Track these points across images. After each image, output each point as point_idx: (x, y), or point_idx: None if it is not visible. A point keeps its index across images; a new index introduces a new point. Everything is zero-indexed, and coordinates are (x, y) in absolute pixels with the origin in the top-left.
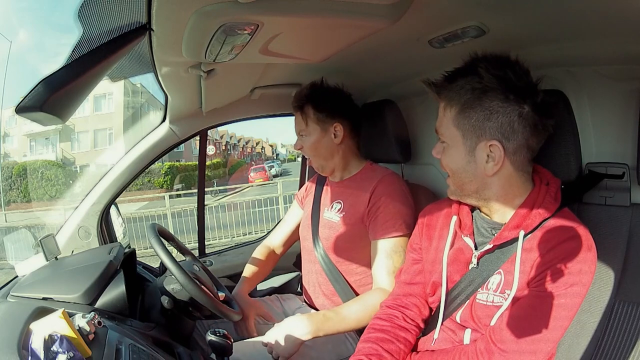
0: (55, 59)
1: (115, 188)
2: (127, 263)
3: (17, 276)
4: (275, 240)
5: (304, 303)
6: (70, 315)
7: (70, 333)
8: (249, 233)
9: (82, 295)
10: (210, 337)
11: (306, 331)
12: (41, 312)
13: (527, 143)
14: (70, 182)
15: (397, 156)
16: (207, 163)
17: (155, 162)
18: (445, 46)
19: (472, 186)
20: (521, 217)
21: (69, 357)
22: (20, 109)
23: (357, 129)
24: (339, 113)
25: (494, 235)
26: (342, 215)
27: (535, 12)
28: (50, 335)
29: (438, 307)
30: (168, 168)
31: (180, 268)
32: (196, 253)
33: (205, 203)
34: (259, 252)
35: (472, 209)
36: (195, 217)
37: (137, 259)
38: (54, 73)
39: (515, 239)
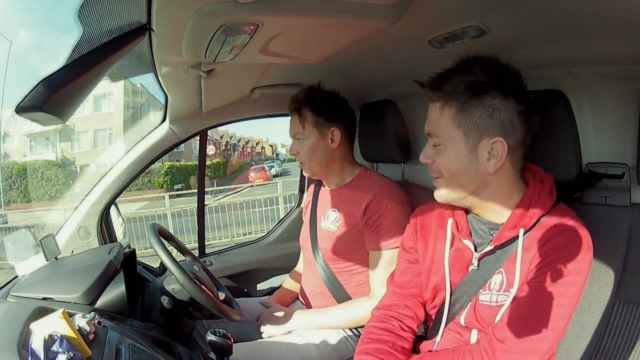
0: (55, 59)
1: (115, 188)
2: (127, 263)
3: (17, 276)
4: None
5: (302, 306)
6: (70, 315)
7: (70, 333)
8: (249, 233)
9: (82, 295)
10: (210, 337)
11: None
12: (41, 312)
13: (523, 140)
14: (70, 182)
15: (397, 156)
16: (207, 163)
17: (155, 162)
18: (445, 46)
19: (472, 186)
20: (519, 215)
21: (69, 357)
22: (20, 109)
23: (353, 134)
24: (336, 117)
25: (492, 235)
26: (338, 224)
27: (535, 12)
28: (50, 335)
29: (440, 311)
30: (168, 168)
31: (180, 268)
32: (196, 253)
33: (205, 203)
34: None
35: (466, 211)
36: (195, 217)
37: (137, 259)
38: (54, 73)
39: (515, 238)
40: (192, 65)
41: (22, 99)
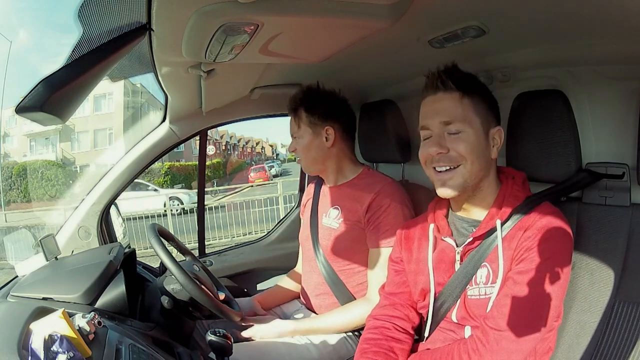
0: (55, 59)
1: (115, 188)
2: (127, 263)
3: (17, 276)
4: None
5: (302, 305)
6: (70, 315)
7: (70, 333)
8: (249, 233)
9: (82, 295)
10: (210, 337)
11: (288, 329)
12: (41, 312)
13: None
14: (70, 182)
15: (397, 156)
16: (207, 163)
17: (155, 162)
18: (445, 46)
19: (482, 174)
20: (496, 208)
21: (69, 357)
22: (20, 109)
23: (351, 132)
24: (331, 117)
25: (473, 231)
26: (340, 221)
27: (535, 12)
28: (50, 335)
29: (430, 311)
30: (168, 168)
31: (180, 268)
32: (196, 253)
33: (205, 203)
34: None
35: (446, 213)
36: (195, 217)
37: (137, 259)
38: (54, 73)
39: (494, 229)
40: (192, 65)
41: (22, 99)
